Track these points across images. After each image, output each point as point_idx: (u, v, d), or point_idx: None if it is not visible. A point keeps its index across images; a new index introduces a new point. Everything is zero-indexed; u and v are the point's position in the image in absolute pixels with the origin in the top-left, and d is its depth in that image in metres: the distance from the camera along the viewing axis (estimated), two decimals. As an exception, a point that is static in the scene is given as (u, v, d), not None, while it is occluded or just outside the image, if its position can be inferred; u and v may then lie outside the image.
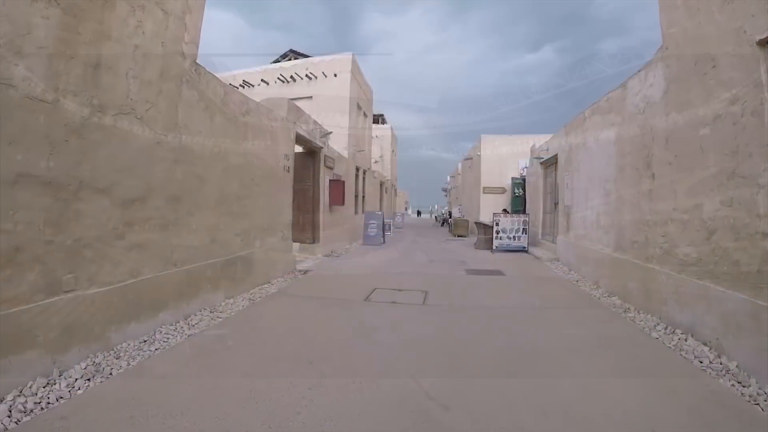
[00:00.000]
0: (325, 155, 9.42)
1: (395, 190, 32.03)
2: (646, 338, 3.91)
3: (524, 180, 15.46)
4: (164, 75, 4.17)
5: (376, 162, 21.92)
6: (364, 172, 15.92)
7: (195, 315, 4.51)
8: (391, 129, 27.32)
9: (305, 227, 9.21)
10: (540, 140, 11.97)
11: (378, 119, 28.03)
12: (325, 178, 9.48)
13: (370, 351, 3.42)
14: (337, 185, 9.98)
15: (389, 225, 17.30)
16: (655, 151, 4.83)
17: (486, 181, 16.82)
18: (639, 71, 5.42)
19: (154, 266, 4.05)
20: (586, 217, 7.20)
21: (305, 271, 7.24)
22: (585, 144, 7.42)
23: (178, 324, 4.18)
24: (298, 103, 12.49)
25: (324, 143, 9.32)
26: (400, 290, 5.77)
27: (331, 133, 8.66)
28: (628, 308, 5.01)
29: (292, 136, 7.17)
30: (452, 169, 35.85)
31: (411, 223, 29.87)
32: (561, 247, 8.92)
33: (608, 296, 5.63)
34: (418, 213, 52.14)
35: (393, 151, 28.21)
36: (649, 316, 4.64)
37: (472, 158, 19.48)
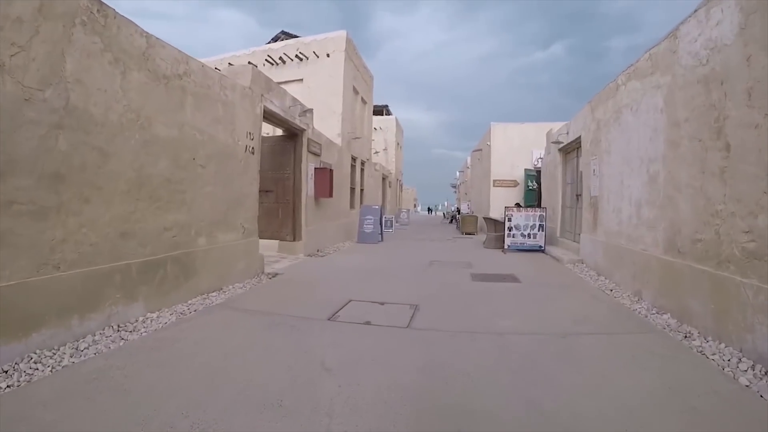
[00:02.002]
0: (308, 139, 8.14)
1: (401, 185, 30.65)
2: (736, 389, 2.53)
3: (538, 172, 14.02)
4: (44, 12, 3.01)
5: (377, 153, 20.61)
6: (363, 163, 14.63)
7: (93, 335, 3.30)
8: (396, 120, 25.93)
9: (284, 222, 7.96)
10: (557, 127, 10.51)
11: (382, 110, 26.71)
12: (308, 166, 8.20)
13: (299, 423, 2.12)
14: (323, 174, 8.70)
15: (390, 221, 16.00)
16: (730, 112, 3.43)
17: (496, 173, 15.38)
18: (695, 11, 4.02)
19: (20, 268, 2.85)
20: (621, 210, 5.78)
21: (274, 275, 5.98)
22: (618, 118, 5.99)
23: (59, 350, 2.99)
24: (288, 87, 11.25)
25: (307, 125, 8.04)
26: (381, 303, 4.46)
27: (310, 110, 7.37)
28: (690, 333, 3.63)
29: (258, 111, 5.90)
30: (462, 165, 34.39)
31: (418, 220, 28.49)
32: (586, 246, 7.49)
33: (657, 313, 4.24)
34: (429, 210, 50.73)
35: (398, 143, 26.84)
36: (723, 346, 3.27)
37: (481, 149, 18.04)
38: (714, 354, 3.16)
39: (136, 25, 3.88)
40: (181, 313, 4.06)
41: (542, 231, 9.71)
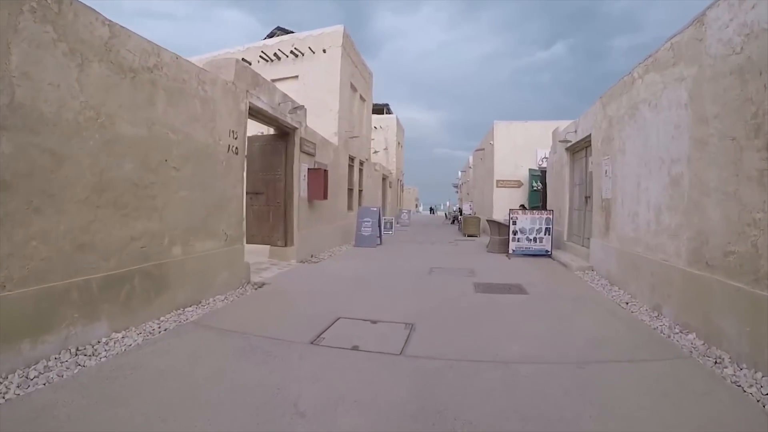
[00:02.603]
0: (301, 138, 7.71)
1: (402, 185, 30.20)
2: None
3: (543, 172, 13.58)
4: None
5: (376, 152, 20.16)
6: (362, 163, 14.20)
7: (47, 360, 2.91)
8: (397, 119, 25.47)
9: (276, 226, 7.54)
10: (564, 125, 10.04)
11: (383, 109, 26.25)
12: (301, 166, 7.77)
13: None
14: (316, 175, 8.27)
15: (390, 223, 15.58)
16: (772, 107, 2.98)
17: (500, 173, 14.91)
18: (727, -6, 3.57)
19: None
20: (637, 214, 5.32)
21: (261, 285, 5.56)
22: (634, 115, 5.53)
23: (6, 378, 2.63)
24: (283, 84, 10.84)
25: (299, 123, 7.60)
26: (373, 322, 4.02)
27: (302, 107, 6.93)
28: (720, 358, 3.19)
29: (243, 108, 5.47)
30: (464, 164, 33.91)
31: (419, 221, 28.04)
32: (597, 252, 7.03)
33: (681, 332, 3.79)
34: (431, 210, 50.22)
35: (399, 143, 26.38)
36: (760, 375, 2.84)
37: (484, 149, 17.56)
38: (751, 386, 2.72)
39: (97, 12, 3.45)
40: (150, 333, 3.64)
41: (549, 235, 9.25)
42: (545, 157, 13.82)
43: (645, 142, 5.12)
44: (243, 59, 11.27)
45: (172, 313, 4.16)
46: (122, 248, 3.66)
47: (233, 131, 5.24)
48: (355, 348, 3.30)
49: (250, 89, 5.65)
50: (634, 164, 5.48)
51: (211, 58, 11.43)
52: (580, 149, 8.89)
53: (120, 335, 3.54)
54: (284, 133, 7.49)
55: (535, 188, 14.04)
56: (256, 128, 8.54)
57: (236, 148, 5.29)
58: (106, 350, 3.25)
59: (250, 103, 5.60)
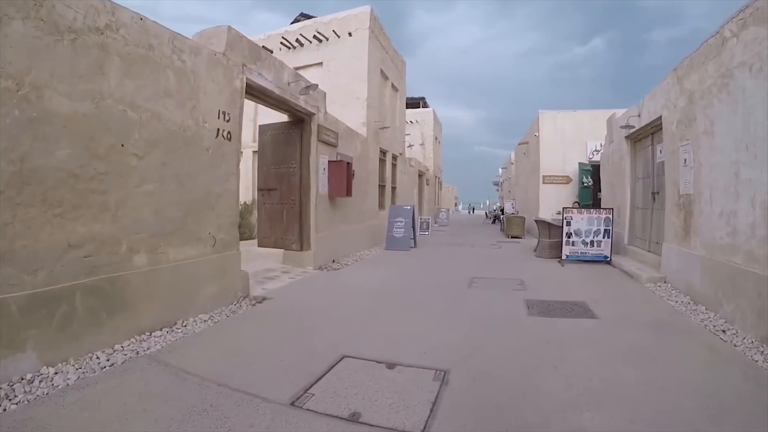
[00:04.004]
0: (319, 125, 6.70)
1: (440, 182, 28.74)
2: None
3: (594, 166, 12.08)
4: None
5: (410, 147, 18.92)
6: (395, 158, 13.06)
7: None
8: (434, 113, 24.07)
9: (290, 227, 6.58)
10: (620, 112, 8.48)
11: (419, 103, 24.96)
12: (319, 159, 6.77)
13: None
14: (338, 168, 7.24)
15: (427, 222, 14.31)
16: None
17: (546, 168, 13.27)
18: None
19: None
20: (735, 214, 3.86)
21: (261, 300, 4.58)
22: (727, 86, 4.05)
23: None
24: (307, 72, 9.92)
25: (316, 107, 6.60)
26: (390, 366, 2.86)
27: (315, 86, 5.88)
28: None
29: (238, 85, 4.50)
30: (504, 161, 31.89)
31: (458, 221, 26.50)
32: (671, 261, 5.53)
33: None
34: (472, 209, 48.13)
35: (436, 138, 24.97)
36: None
37: (527, 142, 15.87)
38: None
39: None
40: (92, 369, 2.73)
41: (608, 238, 7.71)
42: (597, 150, 12.23)
43: (745, 120, 3.66)
44: (264, 47, 10.51)
45: (132, 339, 3.25)
46: (56, 258, 2.77)
47: (225, 112, 4.29)
48: (353, 418, 2.17)
49: (248, 63, 4.68)
50: (728, 149, 4.02)
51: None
52: (644, 136, 7.40)
53: (52, 370, 2.65)
54: (299, 120, 6.52)
55: (585, 184, 12.46)
56: (275, 117, 7.71)
57: (228, 132, 4.34)
58: (25, 391, 2.39)
59: (247, 79, 4.63)
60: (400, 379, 2.67)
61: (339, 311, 4.25)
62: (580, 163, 12.70)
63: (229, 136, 4.35)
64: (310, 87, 5.67)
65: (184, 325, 3.68)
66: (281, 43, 10.46)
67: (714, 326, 3.81)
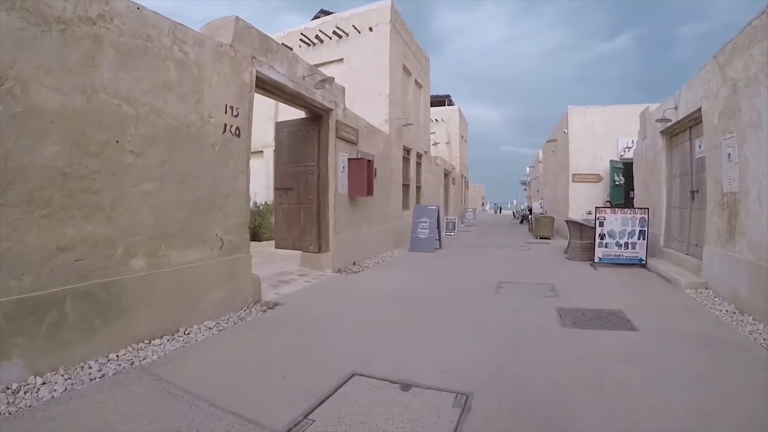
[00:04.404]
0: (337, 122, 6.42)
1: (466, 181, 28.00)
2: None
3: (626, 164, 11.45)
4: None
5: (436, 144, 18.40)
6: (419, 156, 12.65)
7: None
8: (459, 111, 23.43)
9: (307, 228, 6.32)
10: (654, 106, 7.82)
11: (444, 101, 24.41)
12: (338, 157, 6.49)
13: None
14: (359, 166, 6.93)
15: (453, 223, 13.80)
16: None
17: (576, 166, 12.55)
18: None
19: None
20: None
21: (272, 306, 4.32)
22: None
23: None
24: (326, 70, 9.66)
25: (335, 103, 6.32)
26: (405, 387, 2.50)
27: (331, 79, 5.57)
28: None
29: (247, 78, 4.27)
30: (531, 160, 30.77)
31: (485, 221, 25.73)
32: (714, 265, 4.97)
33: None
34: (499, 209, 46.91)
35: (462, 136, 24.31)
36: None
37: (556, 140, 15.09)
38: None
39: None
40: (81, 380, 2.53)
41: (644, 239, 7.06)
42: (628, 147, 11.61)
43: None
44: (284, 44, 10.37)
45: (129, 348, 3.04)
46: (44, 262, 2.59)
47: (232, 107, 4.05)
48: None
49: (258, 55, 4.44)
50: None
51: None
52: (681, 130, 6.78)
53: (40, 380, 2.47)
54: (316, 116, 6.26)
55: (617, 183, 11.83)
56: (296, 114, 7.49)
57: (236, 128, 4.10)
58: (8, 402, 2.23)
59: (257, 72, 4.39)
60: (414, 404, 2.30)
61: (353, 319, 3.93)
62: (611, 161, 12.01)
63: (237, 132, 4.12)
64: (326, 80, 5.39)
65: (186, 332, 3.46)
66: (300, 39, 10.29)
67: (765, 340, 3.32)
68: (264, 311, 4.14)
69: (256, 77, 4.40)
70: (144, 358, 2.94)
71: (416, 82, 12.25)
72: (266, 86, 4.72)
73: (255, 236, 9.27)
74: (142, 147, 3.19)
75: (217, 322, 3.74)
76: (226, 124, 3.97)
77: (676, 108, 6.59)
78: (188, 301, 3.58)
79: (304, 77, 5.35)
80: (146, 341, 3.20)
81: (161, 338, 3.31)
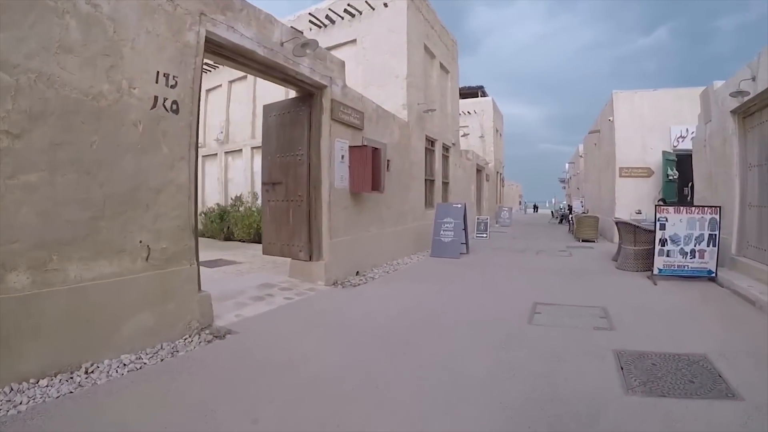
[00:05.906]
0: (333, 101, 5.40)
1: (502, 179, 26.18)
2: None
3: (679, 156, 9.89)
4: None
5: (465, 135, 16.98)
6: (446, 149, 11.43)
7: None
8: (493, 102, 21.77)
9: (296, 231, 5.36)
10: (719, 83, 6.29)
11: (477, 92, 22.82)
12: (334, 143, 5.47)
13: None
14: (361, 155, 5.89)
15: (485, 223, 12.41)
16: None
17: (623, 159, 10.84)
18: None
19: None
20: None
21: (223, 334, 3.36)
22: None
23: None
24: (339, 52, 8.70)
25: (328, 78, 5.31)
26: None
27: (315, 43, 4.45)
28: None
29: (191, 39, 3.33)
30: (571, 156, 28.36)
31: (522, 220, 23.88)
32: None
33: None
34: (535, 208, 44.35)
35: (497, 130, 22.61)
36: None
37: (599, 130, 13.29)
38: None
39: None
40: None
41: (714, 246, 5.60)
42: (683, 136, 10.20)
43: None
44: (293, 28, 9.51)
45: (6, 389, 2.21)
46: None
47: (167, 75, 3.13)
48: None
49: (211, 12, 3.50)
50: None
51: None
52: (759, 108, 5.42)
53: None
54: (308, 95, 5.28)
55: (670, 177, 10.10)
56: (279, 93, 6.58)
57: (174, 102, 3.18)
58: None
59: (208, 32, 3.45)
60: None
61: (313, 368, 2.75)
62: (663, 152, 10.26)
63: (174, 107, 3.19)
64: (308, 45, 4.34)
65: (89, 371, 2.57)
66: (310, 21, 9.38)
67: None
68: (209, 341, 3.19)
69: (207, 39, 3.46)
70: (19, 404, 2.11)
71: (441, 66, 11.02)
72: (225, 52, 3.78)
73: (259, 240, 8.50)
74: (22, 126, 2.33)
75: (140, 356, 2.84)
76: (156, 97, 3.05)
77: (754, 79, 5.17)
78: (97, 328, 2.70)
79: (282, 43, 4.37)
80: (34, 380, 2.36)
81: (55, 377, 2.45)
